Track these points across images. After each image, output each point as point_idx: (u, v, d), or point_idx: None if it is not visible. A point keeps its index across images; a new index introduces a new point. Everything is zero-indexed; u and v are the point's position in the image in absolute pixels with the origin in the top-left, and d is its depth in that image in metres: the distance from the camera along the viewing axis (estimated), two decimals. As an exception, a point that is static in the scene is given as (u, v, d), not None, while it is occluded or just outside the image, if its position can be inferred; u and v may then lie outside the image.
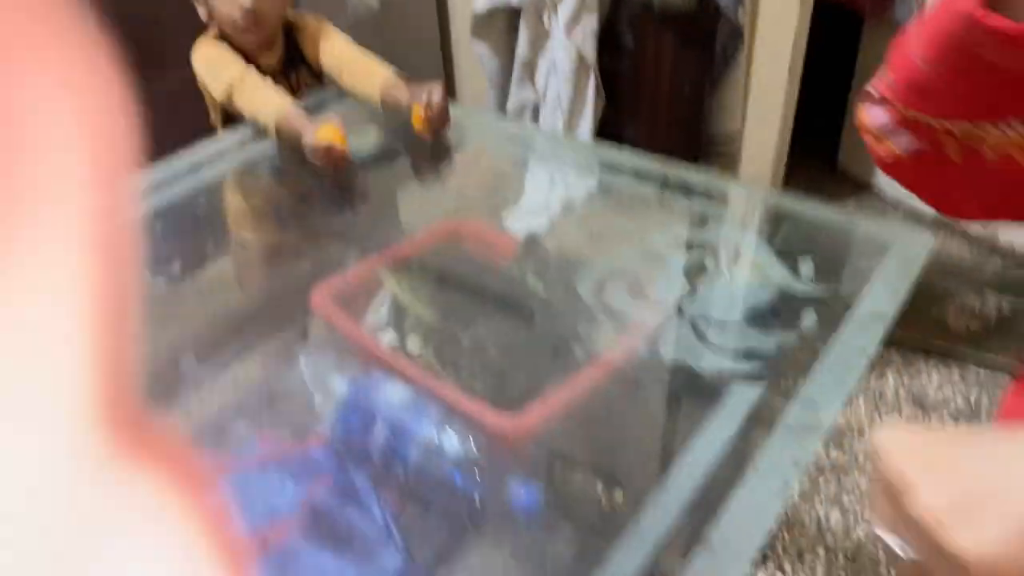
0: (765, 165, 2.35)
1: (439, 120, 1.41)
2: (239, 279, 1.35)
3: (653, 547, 0.78)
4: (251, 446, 0.99)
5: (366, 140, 1.60)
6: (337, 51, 1.55)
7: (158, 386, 1.05)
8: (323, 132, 1.32)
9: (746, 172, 2.40)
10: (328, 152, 1.31)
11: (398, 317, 1.11)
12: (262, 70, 1.48)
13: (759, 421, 0.93)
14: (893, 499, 0.41)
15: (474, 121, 1.64)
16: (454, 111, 1.64)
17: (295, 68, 1.57)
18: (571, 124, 1.87)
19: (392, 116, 1.57)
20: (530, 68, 1.91)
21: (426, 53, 2.19)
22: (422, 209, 1.47)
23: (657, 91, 1.85)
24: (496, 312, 1.09)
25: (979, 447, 0.42)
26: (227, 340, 1.15)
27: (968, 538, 0.38)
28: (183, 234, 1.39)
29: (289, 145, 1.38)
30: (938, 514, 0.39)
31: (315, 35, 1.57)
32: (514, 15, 1.88)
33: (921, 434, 0.43)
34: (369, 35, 2.15)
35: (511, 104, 1.97)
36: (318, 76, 1.58)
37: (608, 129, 1.93)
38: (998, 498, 0.39)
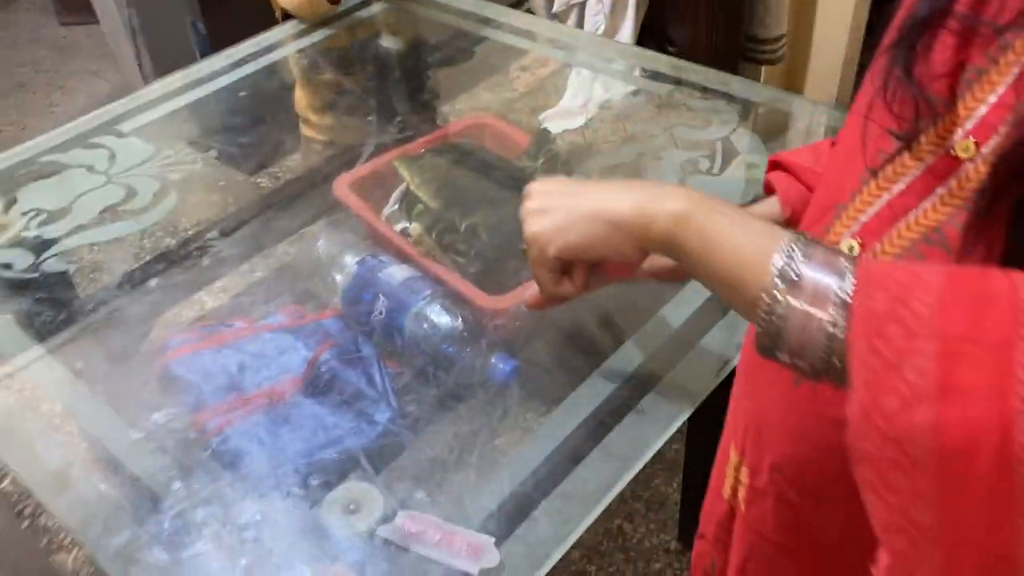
0: (831, 77, 2.32)
1: None
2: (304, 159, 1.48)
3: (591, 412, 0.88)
4: (274, 314, 1.11)
5: (404, 39, 1.67)
6: None
7: (193, 258, 1.18)
8: None
9: (811, 84, 2.37)
10: None
11: (408, 205, 1.21)
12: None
13: (718, 308, 1.00)
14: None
15: (521, 24, 1.69)
16: (501, 14, 1.69)
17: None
18: (614, 24, 1.89)
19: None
20: (575, -32, 1.92)
21: None
22: (459, 107, 1.55)
23: (698, -6, 1.85)
24: (497, 203, 1.17)
25: (589, 183, 0.60)
26: (262, 219, 1.26)
27: (535, 224, 0.60)
28: (239, 113, 1.51)
29: None
30: (528, 212, 0.61)
31: None
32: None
33: (561, 180, 0.62)
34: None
35: (557, 4, 1.99)
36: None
37: (651, 30, 1.94)
38: (568, 206, 0.59)
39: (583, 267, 0.63)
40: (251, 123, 1.49)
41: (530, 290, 0.68)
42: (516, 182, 1.23)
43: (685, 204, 0.53)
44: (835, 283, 0.44)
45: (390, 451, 0.88)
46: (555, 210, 0.59)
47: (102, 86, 3.50)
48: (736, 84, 1.39)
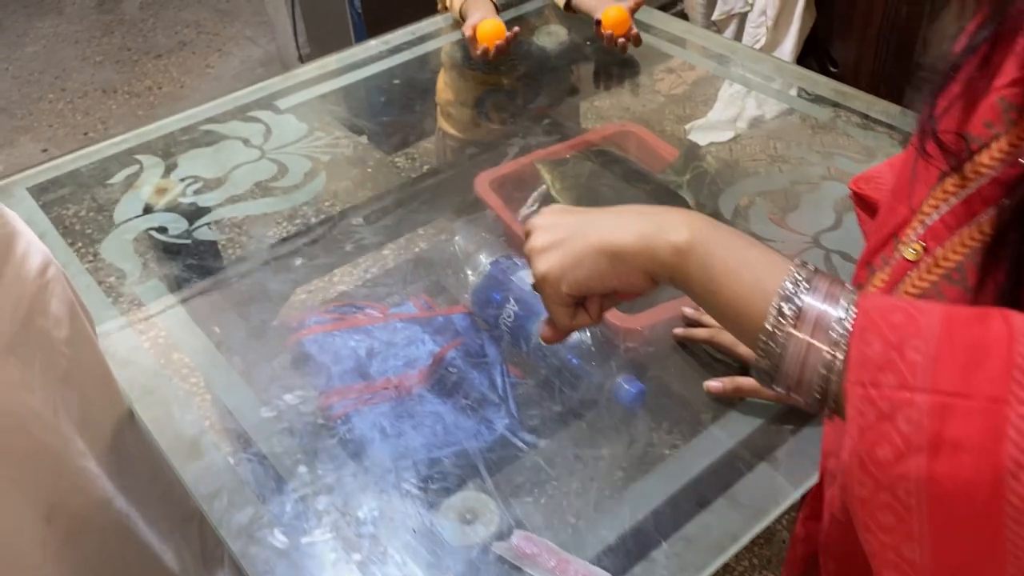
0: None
1: (622, 34, 1.48)
2: (437, 151, 1.49)
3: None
4: (405, 303, 1.12)
5: (556, 38, 1.66)
6: None
7: (334, 239, 1.20)
8: (482, 26, 1.51)
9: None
10: (472, 43, 1.52)
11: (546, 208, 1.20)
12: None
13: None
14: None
15: (673, 29, 1.65)
16: (653, 18, 1.66)
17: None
18: (776, 38, 1.83)
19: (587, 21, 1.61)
20: (739, -23, 1.87)
21: None
22: (603, 110, 1.53)
23: (870, 13, 1.77)
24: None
25: (591, 214, 0.60)
26: (404, 209, 1.28)
27: (543, 263, 0.60)
28: (390, 100, 1.53)
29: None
30: (534, 251, 0.61)
31: None
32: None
33: (562, 209, 0.62)
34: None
35: (718, 12, 1.94)
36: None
37: (815, 47, 1.87)
38: (574, 241, 0.58)
39: (597, 298, 0.64)
40: (400, 110, 1.51)
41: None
42: (659, 196, 1.20)
43: (688, 234, 0.54)
44: (835, 317, 0.45)
45: (507, 460, 0.88)
46: (561, 246, 0.59)
47: (256, 51, 3.63)
48: (902, 116, 1.32)
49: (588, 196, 1.19)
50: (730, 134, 1.42)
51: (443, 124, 1.53)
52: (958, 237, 0.51)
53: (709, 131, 1.44)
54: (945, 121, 0.53)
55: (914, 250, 0.54)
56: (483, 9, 1.55)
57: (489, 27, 1.50)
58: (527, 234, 0.63)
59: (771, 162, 1.31)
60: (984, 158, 0.50)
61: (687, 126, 1.45)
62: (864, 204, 0.80)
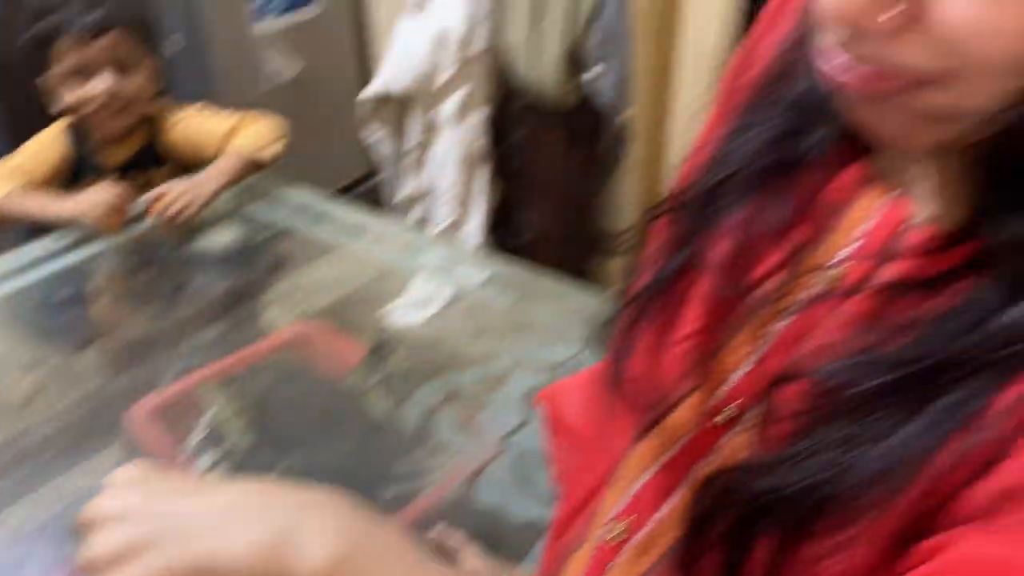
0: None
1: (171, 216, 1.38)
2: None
3: None
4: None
5: (224, 234, 1.54)
6: (191, 142, 1.51)
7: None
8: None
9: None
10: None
11: (216, 440, 1.04)
12: (104, 167, 1.45)
13: None
14: None
15: (353, 219, 1.59)
16: (334, 208, 1.59)
17: (145, 169, 1.51)
18: (462, 217, 1.84)
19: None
20: (420, 158, 1.88)
21: (347, 120, 2.13)
22: (276, 312, 1.41)
23: (548, 186, 1.83)
24: (321, 437, 1.03)
25: (187, 500, 0.42)
26: (34, 459, 1.06)
27: (98, 546, 0.41)
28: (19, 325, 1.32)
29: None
30: (95, 523, 0.41)
31: (182, 130, 1.52)
32: (403, 103, 1.86)
33: (143, 481, 0.44)
34: (287, 103, 2.11)
35: (402, 193, 1.93)
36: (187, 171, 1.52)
37: (501, 222, 1.90)
38: (158, 537, 0.40)
39: None
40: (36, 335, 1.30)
41: None
42: (347, 408, 1.09)
43: (330, 549, 0.40)
44: None
45: None
46: (137, 556, 0.40)
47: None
48: (588, 293, 1.32)
49: (261, 419, 1.05)
50: (429, 311, 1.37)
51: (97, 344, 1.34)
52: (667, 510, 0.45)
53: (407, 311, 1.38)
54: (637, 362, 0.48)
55: (617, 531, 0.46)
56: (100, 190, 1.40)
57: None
58: (83, 526, 0.43)
59: (460, 356, 1.25)
60: (680, 415, 0.45)
61: (380, 311, 1.38)
62: (555, 423, 0.72)
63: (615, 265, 2.01)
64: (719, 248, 0.50)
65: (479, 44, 1.70)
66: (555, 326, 1.29)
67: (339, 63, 2.67)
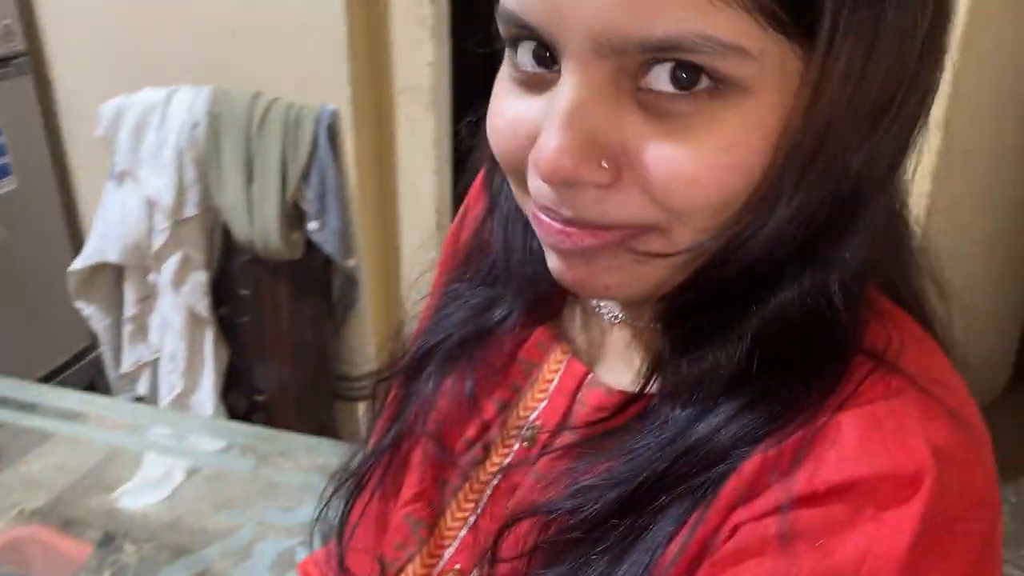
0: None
1: None
2: None
3: None
4: None
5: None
6: None
7: None
8: None
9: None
10: None
11: None
12: None
13: None
14: None
15: (69, 403, 1.47)
16: (44, 395, 1.47)
17: None
18: (193, 381, 1.76)
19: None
20: (141, 326, 1.79)
21: (60, 292, 1.97)
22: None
23: (279, 339, 1.81)
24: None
25: None
26: None
27: None
28: None
29: None
30: None
31: None
32: (118, 271, 1.78)
33: None
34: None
35: (126, 364, 1.82)
36: None
37: (236, 379, 1.84)
38: None
39: None
40: None
41: None
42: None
43: None
44: None
45: None
46: None
47: None
48: (330, 447, 1.31)
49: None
50: (166, 490, 1.29)
51: None
52: None
53: (140, 492, 1.28)
54: (363, 534, 0.49)
55: None
56: None
57: None
58: None
59: (203, 532, 1.18)
60: None
61: (113, 494, 1.27)
62: None
63: (358, 414, 2.00)
64: (431, 415, 0.53)
65: (191, 209, 1.67)
66: (301, 485, 1.26)
67: (46, 234, 2.51)
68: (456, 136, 2.08)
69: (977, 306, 2.29)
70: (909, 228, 0.47)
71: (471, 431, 0.52)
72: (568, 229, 0.40)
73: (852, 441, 0.39)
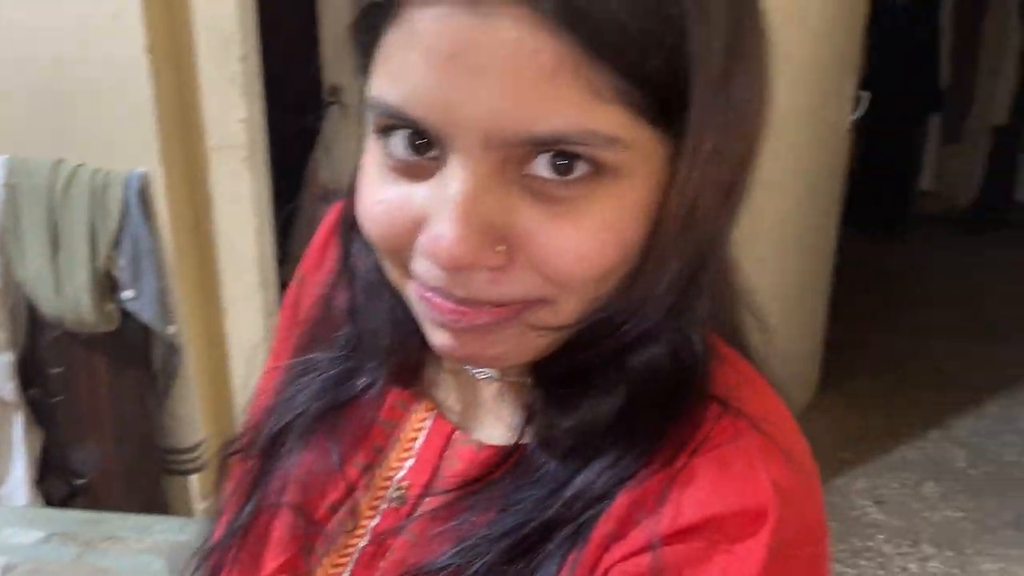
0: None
1: None
2: None
3: None
4: None
5: None
6: None
7: None
8: None
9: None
10: None
11: None
12: None
13: None
14: None
15: None
16: None
17: None
18: (1, 470, 1.63)
19: None
20: (-62, 416, 1.65)
21: None
22: None
23: (98, 416, 1.71)
24: None
25: None
26: None
27: None
28: None
29: None
30: None
31: None
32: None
33: None
34: None
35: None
36: None
37: (52, 464, 1.72)
38: None
39: None
40: None
41: None
42: None
43: None
44: None
45: None
46: None
47: None
48: (162, 528, 1.24)
49: None
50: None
51: None
52: None
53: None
54: None
55: None
56: None
57: None
58: None
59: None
60: None
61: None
62: None
63: (190, 488, 1.91)
64: (290, 487, 0.53)
65: (-10, 285, 1.57)
66: (132, 569, 1.19)
67: None
68: (277, 194, 2.05)
69: (783, 329, 2.48)
70: (735, 270, 0.51)
71: (334, 496, 0.52)
72: (462, 308, 0.42)
73: (707, 483, 0.43)
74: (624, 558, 0.42)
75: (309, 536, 0.52)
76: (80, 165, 1.61)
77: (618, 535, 0.43)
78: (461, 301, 0.42)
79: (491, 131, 0.38)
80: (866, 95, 2.56)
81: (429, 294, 0.43)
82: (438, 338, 0.45)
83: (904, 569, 2.28)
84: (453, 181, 0.39)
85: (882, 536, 2.40)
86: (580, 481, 0.44)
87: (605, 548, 0.43)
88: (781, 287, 2.45)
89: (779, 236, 2.37)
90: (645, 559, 0.42)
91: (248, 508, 0.54)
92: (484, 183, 0.39)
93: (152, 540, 1.23)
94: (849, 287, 3.21)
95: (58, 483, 1.72)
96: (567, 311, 0.43)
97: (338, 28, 3.10)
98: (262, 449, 0.55)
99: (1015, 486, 2.63)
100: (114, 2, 1.72)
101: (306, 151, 3.10)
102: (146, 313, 1.61)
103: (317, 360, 0.55)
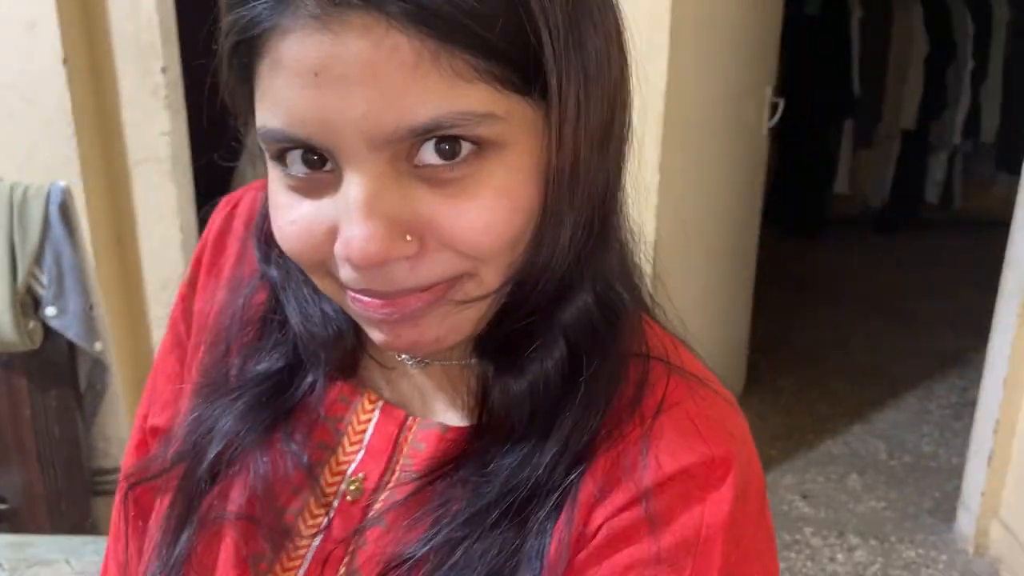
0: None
1: None
2: None
3: None
4: None
5: None
6: None
7: None
8: None
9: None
10: None
11: None
12: None
13: None
14: None
15: None
16: None
17: None
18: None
19: None
20: None
21: None
22: None
23: (21, 439, 1.65)
24: None
25: None
26: None
27: None
28: None
29: None
30: None
31: None
32: None
33: None
34: None
35: None
36: None
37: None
38: None
39: None
40: None
41: None
42: None
43: None
44: None
45: None
46: None
47: None
48: (92, 545, 1.21)
49: None
50: None
51: None
52: None
53: None
54: None
55: None
56: None
57: None
58: None
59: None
60: None
61: None
62: None
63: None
64: (233, 502, 0.52)
65: (-96, 305, 1.51)
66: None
67: None
68: (200, 206, 2.02)
69: (709, 330, 2.54)
70: (633, 246, 0.55)
71: (284, 498, 0.52)
72: (391, 302, 0.44)
73: (676, 436, 0.48)
74: (614, 514, 0.46)
75: (256, 545, 0.52)
76: (-3, 180, 1.57)
77: (603, 493, 0.47)
78: (388, 295, 0.44)
79: (371, 133, 0.40)
80: (781, 102, 2.64)
81: (358, 295, 0.45)
82: (376, 335, 0.47)
83: (832, 559, 2.35)
84: (351, 187, 0.42)
85: (810, 529, 2.47)
86: (552, 443, 0.47)
87: (591, 508, 0.47)
88: (706, 290, 2.51)
89: (703, 238, 2.43)
90: (636, 511, 0.46)
91: (186, 535, 0.53)
92: (380, 182, 0.42)
93: (83, 563, 1.20)
94: (769, 287, 3.31)
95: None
96: (489, 280, 0.45)
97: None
98: (199, 476, 0.54)
99: (932, 475, 2.74)
100: (29, 12, 1.67)
101: (232, 162, 3.04)
102: (71, 330, 1.57)
103: (246, 374, 0.55)
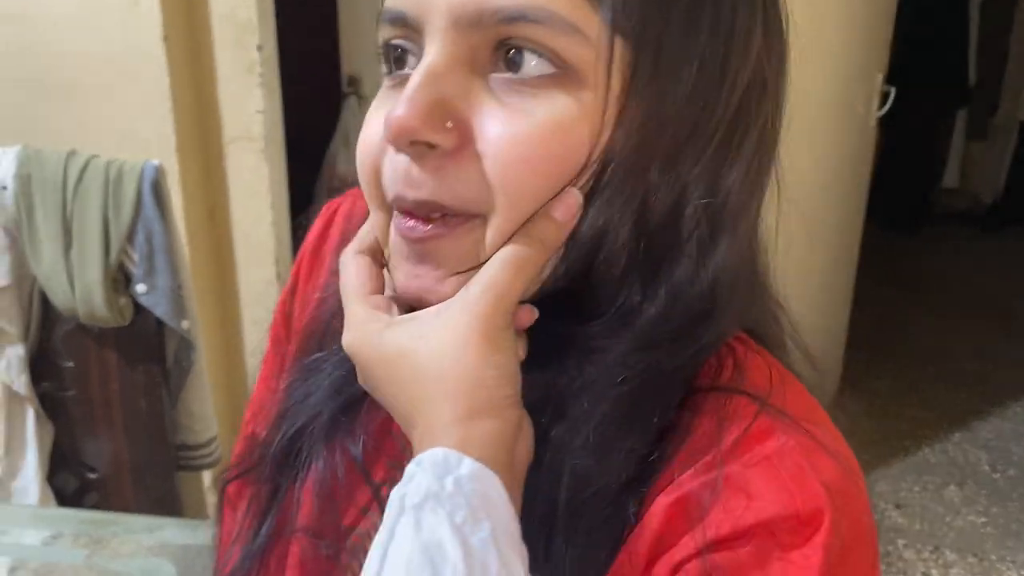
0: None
1: None
2: None
3: None
4: None
5: None
6: None
7: None
8: None
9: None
10: None
11: None
12: None
13: None
14: None
15: None
16: None
17: None
18: (10, 466, 1.61)
19: None
20: (-52, 409, 1.63)
21: None
22: None
23: (110, 411, 1.68)
24: None
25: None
26: None
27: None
28: None
29: None
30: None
31: None
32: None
33: None
34: None
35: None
36: None
37: (64, 459, 1.70)
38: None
39: None
40: None
41: None
42: None
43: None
44: None
45: None
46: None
47: None
48: (172, 530, 1.22)
49: None
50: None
51: None
52: None
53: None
54: None
55: None
56: None
57: None
58: None
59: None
60: None
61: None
62: None
63: (203, 484, 1.89)
64: (304, 508, 0.50)
65: (2, 279, 1.54)
66: (142, 570, 1.16)
67: None
68: (292, 184, 2.03)
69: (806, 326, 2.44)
70: (759, 261, 0.51)
71: (351, 515, 0.49)
72: (416, 220, 0.43)
73: (757, 486, 0.41)
74: (678, 565, 0.41)
75: (327, 562, 0.50)
76: (93, 157, 1.58)
77: (664, 545, 0.42)
78: (413, 209, 0.43)
79: (458, 11, 0.41)
80: (892, 90, 2.51)
81: (394, 221, 0.44)
82: (397, 277, 0.45)
83: (926, 575, 2.24)
84: (423, 60, 0.42)
85: (903, 541, 2.36)
86: (611, 473, 0.43)
87: (652, 561, 0.42)
88: (805, 282, 2.41)
89: (806, 228, 2.33)
90: (694, 566, 0.41)
91: (264, 530, 0.51)
92: (449, 63, 0.42)
93: (163, 542, 1.21)
94: (868, 283, 3.17)
95: (70, 478, 1.70)
96: (492, 235, 0.43)
97: (356, 18, 3.07)
98: (275, 460, 0.52)
99: (1039, 490, 2.59)
100: (130, -10, 1.69)
101: (324, 142, 3.07)
102: (159, 308, 1.58)
103: (324, 359, 0.53)
